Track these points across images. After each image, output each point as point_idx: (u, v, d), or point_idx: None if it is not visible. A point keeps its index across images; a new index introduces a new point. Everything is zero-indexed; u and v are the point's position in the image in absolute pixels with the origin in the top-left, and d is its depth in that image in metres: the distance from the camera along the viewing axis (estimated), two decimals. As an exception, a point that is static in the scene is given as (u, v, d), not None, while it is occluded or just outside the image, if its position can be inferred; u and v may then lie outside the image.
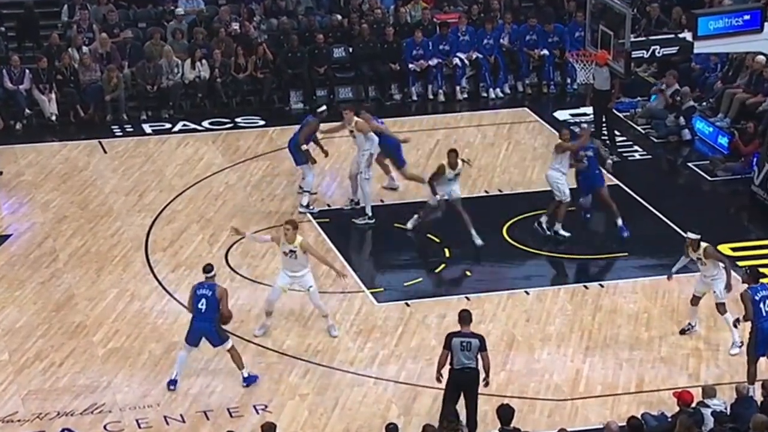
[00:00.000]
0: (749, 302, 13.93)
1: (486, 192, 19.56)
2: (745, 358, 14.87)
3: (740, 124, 21.01)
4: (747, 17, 17.74)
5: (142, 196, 19.64)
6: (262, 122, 22.85)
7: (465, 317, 13.26)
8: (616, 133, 21.81)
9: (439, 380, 13.34)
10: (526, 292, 16.61)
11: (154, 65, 23.04)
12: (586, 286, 16.76)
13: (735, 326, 14.90)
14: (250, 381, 14.50)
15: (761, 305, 13.92)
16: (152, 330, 15.77)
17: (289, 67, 23.68)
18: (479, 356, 13.10)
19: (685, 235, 15.72)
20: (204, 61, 23.38)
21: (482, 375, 13.17)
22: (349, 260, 17.42)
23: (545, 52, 23.98)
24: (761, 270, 16.84)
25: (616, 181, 19.77)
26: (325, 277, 17.05)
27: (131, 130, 22.55)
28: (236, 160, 21.08)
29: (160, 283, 16.94)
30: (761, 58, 21.20)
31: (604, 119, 21.60)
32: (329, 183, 20.20)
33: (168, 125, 22.67)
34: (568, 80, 24.25)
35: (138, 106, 23.18)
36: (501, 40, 24.12)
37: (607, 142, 21.51)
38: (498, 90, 24.08)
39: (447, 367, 13.27)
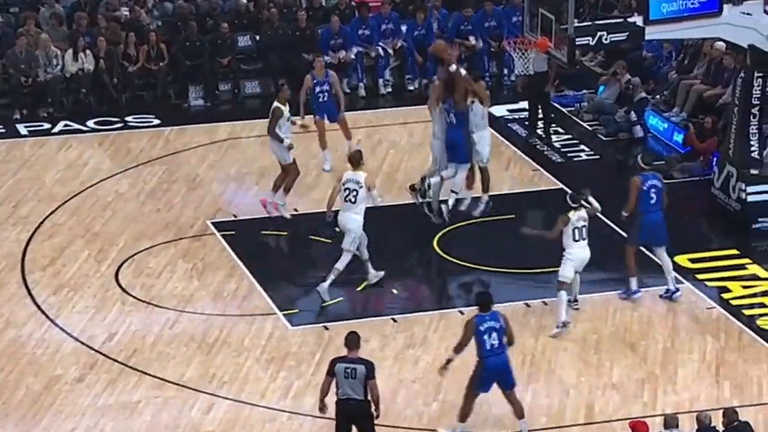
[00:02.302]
0: (470, 331, 13.79)
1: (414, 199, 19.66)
2: (706, 380, 15.18)
3: (698, 119, 21.33)
4: (703, -1, 18.07)
5: (18, 207, 19.45)
6: (156, 121, 22.75)
7: (351, 340, 13.31)
8: (554, 126, 22.05)
9: (322, 411, 13.38)
10: (461, 312, 16.72)
11: (29, 56, 22.83)
12: (527, 304, 16.93)
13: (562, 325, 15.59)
14: None
15: (485, 337, 13.79)
16: (30, 362, 15.61)
17: (187, 58, 23.61)
18: (367, 385, 13.14)
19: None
20: (88, 51, 23.22)
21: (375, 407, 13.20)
22: (258, 277, 17.41)
23: (479, 42, 24.12)
24: (724, 284, 17.29)
25: (560, 185, 20.00)
26: (231, 298, 17.03)
27: (3, 131, 22.32)
28: (127, 165, 20.96)
29: (39, 308, 16.80)
30: (720, 44, 21.55)
31: (540, 109, 21.85)
32: (234, 190, 20.18)
33: (47, 125, 22.47)
34: (505, 71, 24.48)
35: (10, 103, 22.94)
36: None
37: (543, 136, 21.76)
38: (426, 82, 24.22)
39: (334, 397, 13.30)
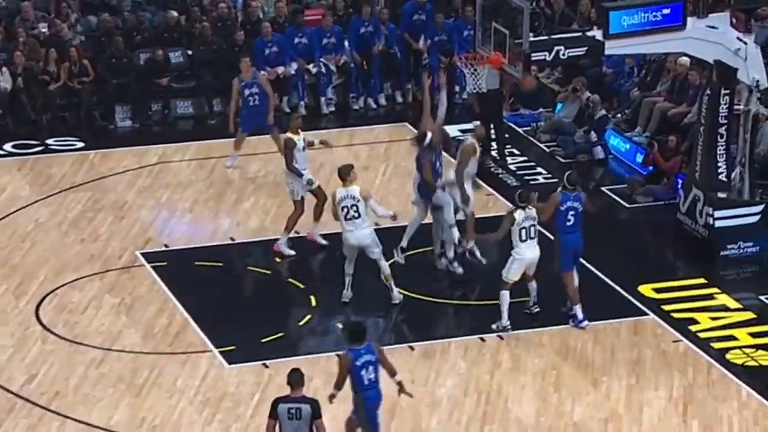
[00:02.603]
0: (345, 368, 13.83)
1: (359, 226, 19.68)
2: (673, 420, 15.27)
3: (662, 137, 21.48)
4: (666, 11, 18.21)
5: (-71, 239, 19.32)
6: (80, 144, 22.65)
7: (295, 378, 13.28)
8: (510, 147, 22.18)
9: None
10: (410, 348, 16.74)
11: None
12: (482, 338, 16.97)
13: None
14: None
15: (362, 372, 13.76)
16: (-57, 407, 15.46)
17: (113, 76, 23.52)
18: (313, 426, 13.11)
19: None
20: (4, 68, 23.08)
21: None
22: (192, 312, 17.34)
23: (427, 43, 24.08)
24: (691, 315, 17.42)
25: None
26: (162, 334, 16.94)
27: None
28: (48, 192, 20.84)
29: (-48, 348, 16.67)
30: (684, 60, 21.79)
31: (493, 129, 21.94)
32: (166, 218, 20.11)
33: (-40, 149, 22.35)
34: (457, 88, 24.59)
35: None
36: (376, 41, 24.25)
37: (497, 158, 21.86)
38: (372, 101, 24.30)
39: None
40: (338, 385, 13.95)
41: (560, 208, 16.92)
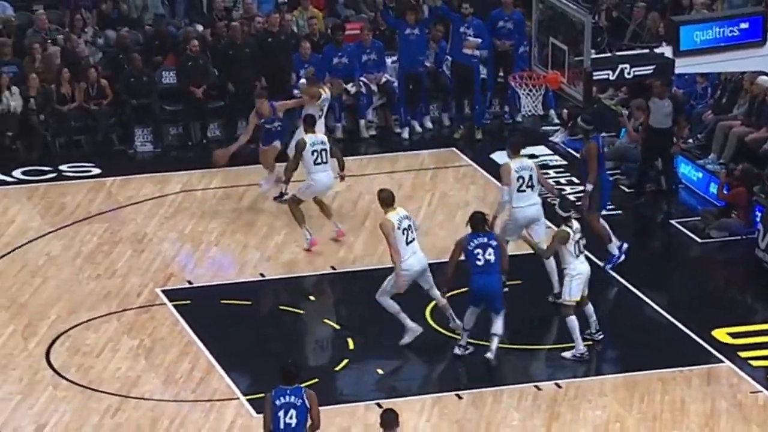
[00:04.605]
0: (267, 406, 13.77)
1: (402, 262, 19.73)
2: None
3: (735, 165, 21.44)
4: (744, 26, 18.22)
5: (-70, 274, 19.48)
6: (96, 170, 22.80)
7: (388, 420, 13.38)
8: (568, 175, 22.19)
9: None
10: (458, 396, 16.75)
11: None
12: (538, 387, 16.96)
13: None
14: None
15: (280, 413, 13.63)
16: (-55, 458, 15.57)
17: (132, 96, 23.68)
18: None
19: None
20: (15, 87, 23.27)
21: None
22: (218, 356, 17.41)
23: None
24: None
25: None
26: (185, 380, 16.98)
27: None
28: (61, 224, 20.97)
29: (-45, 393, 16.79)
30: (764, 79, 21.75)
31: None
32: (189, 252, 20.21)
33: (-35, 176, 22.54)
34: (507, 109, 24.62)
35: None
36: (423, 59, 24.29)
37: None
38: (416, 124, 24.37)
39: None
40: (266, 429, 13.84)
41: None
